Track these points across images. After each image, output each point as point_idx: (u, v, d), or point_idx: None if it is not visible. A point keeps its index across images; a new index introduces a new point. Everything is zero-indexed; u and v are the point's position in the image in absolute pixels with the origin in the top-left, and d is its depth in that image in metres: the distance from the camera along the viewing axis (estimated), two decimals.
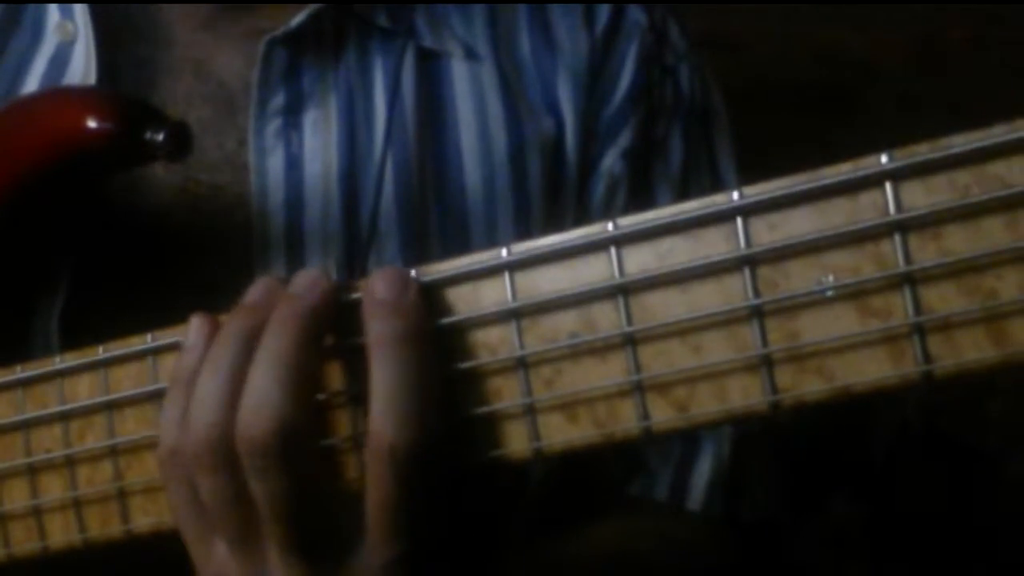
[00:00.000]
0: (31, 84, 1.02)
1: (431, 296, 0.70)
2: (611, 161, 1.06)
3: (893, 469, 2.08)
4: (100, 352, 0.80)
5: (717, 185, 1.10)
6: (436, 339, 0.69)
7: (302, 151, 0.99)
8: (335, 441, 0.73)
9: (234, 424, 0.70)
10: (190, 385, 0.72)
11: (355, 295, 0.72)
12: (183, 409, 0.72)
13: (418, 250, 0.99)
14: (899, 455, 2.08)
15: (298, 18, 1.00)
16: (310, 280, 0.71)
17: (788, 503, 1.15)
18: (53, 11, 1.02)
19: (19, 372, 0.83)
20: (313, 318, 0.70)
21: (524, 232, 1.01)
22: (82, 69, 1.00)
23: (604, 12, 1.09)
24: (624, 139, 1.06)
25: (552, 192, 1.04)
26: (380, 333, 0.69)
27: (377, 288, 0.69)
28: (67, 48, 1.01)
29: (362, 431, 0.71)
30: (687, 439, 1.06)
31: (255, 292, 0.73)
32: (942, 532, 2.03)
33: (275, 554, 0.72)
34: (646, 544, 1.03)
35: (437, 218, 1.01)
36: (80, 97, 0.92)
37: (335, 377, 0.73)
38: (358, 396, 0.72)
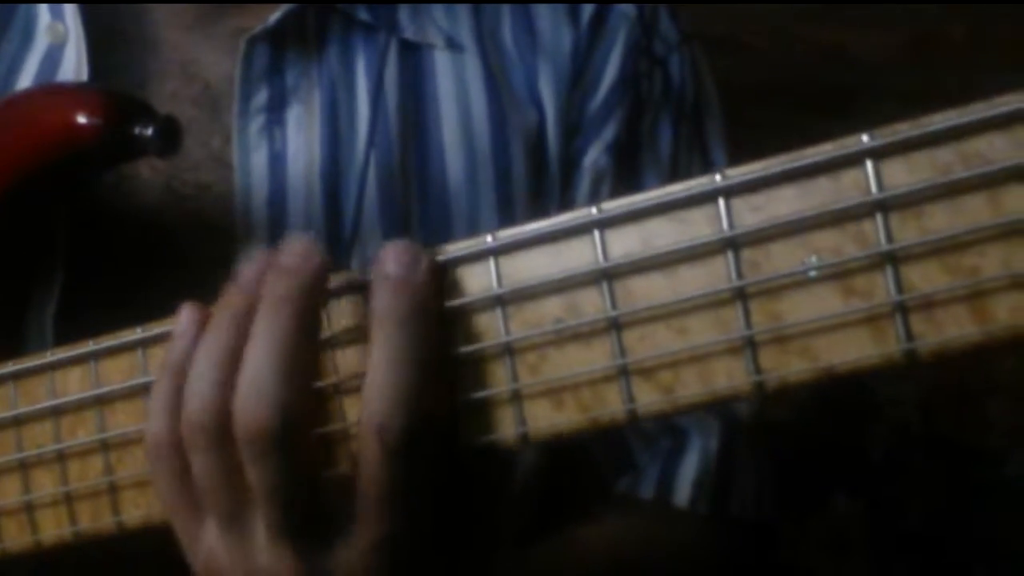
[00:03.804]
0: (23, 86, 1.02)
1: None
2: (596, 155, 1.05)
3: (893, 469, 2.07)
4: (90, 345, 0.80)
5: None
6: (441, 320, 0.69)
7: (285, 148, 0.99)
8: (333, 429, 0.72)
9: (231, 406, 0.69)
10: (179, 372, 0.72)
11: (359, 278, 0.71)
12: (171, 395, 0.72)
13: None
14: (899, 455, 2.08)
15: (276, 14, 1.00)
16: (300, 253, 0.70)
17: (781, 503, 1.15)
18: (43, 12, 1.03)
19: (10, 366, 0.83)
20: (309, 298, 0.69)
21: (508, 227, 1.01)
22: (73, 70, 1.00)
23: (589, 5, 1.08)
24: (609, 132, 1.06)
25: (535, 187, 1.04)
26: (384, 308, 0.68)
27: (387, 262, 0.68)
28: (58, 50, 1.01)
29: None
30: (675, 435, 1.06)
31: (247, 270, 0.72)
32: (942, 532, 2.03)
33: (264, 536, 0.72)
34: (632, 545, 1.03)
35: (419, 214, 1.01)
36: (69, 93, 0.93)
37: (335, 364, 0.72)
38: (357, 385, 0.71)
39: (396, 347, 0.67)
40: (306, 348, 0.69)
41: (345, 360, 0.72)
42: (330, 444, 0.73)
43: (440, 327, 0.69)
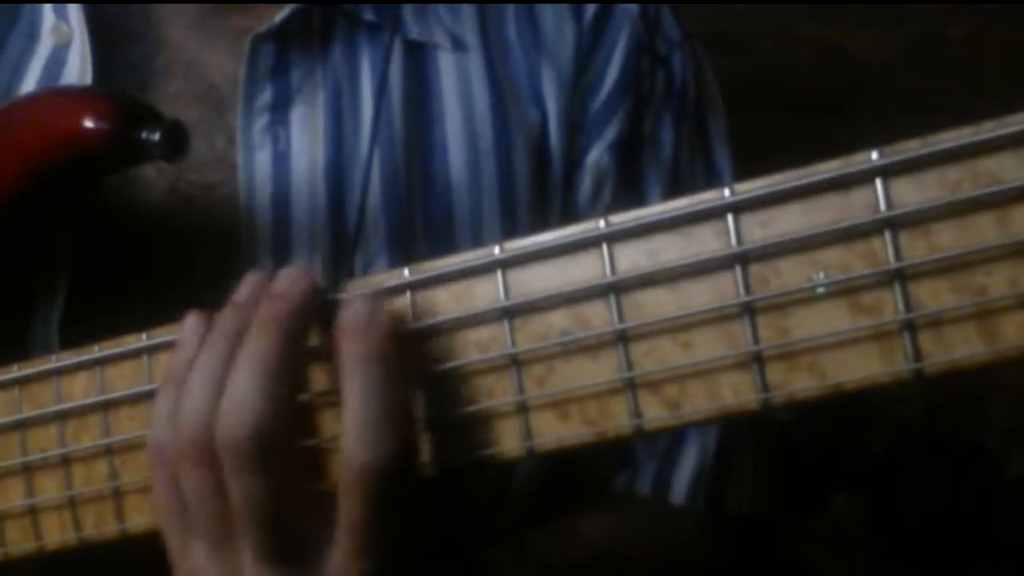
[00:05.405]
0: (28, 87, 1.01)
1: (423, 299, 0.71)
2: (598, 154, 1.05)
3: (893, 469, 2.08)
4: (96, 351, 0.80)
5: (711, 175, 1.09)
6: (413, 347, 0.70)
7: (289, 147, 0.99)
8: (319, 441, 0.73)
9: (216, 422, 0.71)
10: (182, 382, 0.74)
11: (343, 294, 0.72)
12: (174, 406, 0.73)
13: (403, 245, 0.99)
14: (899, 454, 2.08)
15: (282, 14, 0.99)
16: (291, 279, 0.73)
17: (779, 500, 1.15)
18: (48, 13, 1.02)
19: (16, 371, 0.83)
20: (294, 319, 0.72)
21: (510, 227, 1.01)
22: (78, 71, 1.00)
23: (592, 3, 1.08)
24: (611, 132, 1.06)
25: (538, 186, 1.04)
26: (347, 354, 0.70)
27: (347, 312, 0.71)
28: (63, 50, 1.01)
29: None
30: (673, 432, 1.06)
31: (244, 288, 0.74)
32: (942, 532, 2.03)
33: (249, 558, 0.73)
34: (630, 541, 1.03)
35: (422, 213, 1.01)
36: (76, 97, 0.92)
37: (320, 377, 0.73)
38: (330, 400, 0.73)
39: (360, 389, 0.69)
40: (287, 367, 0.71)
41: (318, 376, 0.73)
42: (318, 459, 0.74)
43: (400, 366, 0.70)
